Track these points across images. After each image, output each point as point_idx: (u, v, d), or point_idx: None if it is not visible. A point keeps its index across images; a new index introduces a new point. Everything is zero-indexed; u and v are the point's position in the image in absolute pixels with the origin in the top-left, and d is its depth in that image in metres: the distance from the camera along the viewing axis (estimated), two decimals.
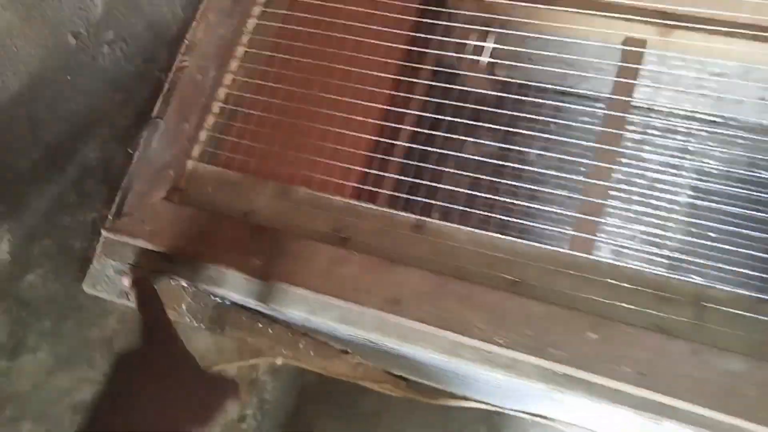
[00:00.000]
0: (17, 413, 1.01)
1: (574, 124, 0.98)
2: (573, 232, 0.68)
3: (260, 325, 0.92)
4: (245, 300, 0.71)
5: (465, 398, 1.05)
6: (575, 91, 1.56)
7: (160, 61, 1.06)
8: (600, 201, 0.71)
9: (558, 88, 1.48)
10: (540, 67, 1.28)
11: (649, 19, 1.10)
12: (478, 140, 1.00)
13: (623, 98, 1.05)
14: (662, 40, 1.10)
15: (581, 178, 0.78)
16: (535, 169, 0.80)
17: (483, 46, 0.99)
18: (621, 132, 0.89)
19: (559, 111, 1.38)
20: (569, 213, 0.69)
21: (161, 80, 1.04)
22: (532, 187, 0.83)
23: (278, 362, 1.04)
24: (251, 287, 0.69)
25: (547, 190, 0.74)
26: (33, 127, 0.87)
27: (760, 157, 1.08)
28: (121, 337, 1.18)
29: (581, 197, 0.72)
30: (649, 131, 1.24)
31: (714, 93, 1.14)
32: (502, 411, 1.00)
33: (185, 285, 0.74)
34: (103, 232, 0.72)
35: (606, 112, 0.94)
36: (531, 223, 0.74)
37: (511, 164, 0.83)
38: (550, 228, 0.66)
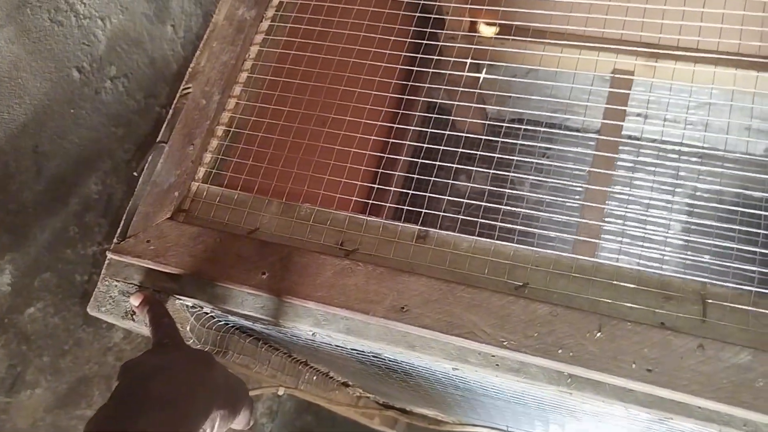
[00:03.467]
0: None
1: (567, 152, 1.00)
2: (575, 237, 0.69)
3: (263, 351, 0.91)
4: (250, 317, 0.71)
5: (470, 424, 1.05)
6: (566, 123, 1.59)
7: (160, 97, 1.08)
8: (599, 205, 0.73)
9: (549, 121, 1.52)
10: (530, 99, 1.32)
11: (636, 48, 1.14)
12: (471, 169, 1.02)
13: (615, 123, 1.08)
14: (649, 69, 1.14)
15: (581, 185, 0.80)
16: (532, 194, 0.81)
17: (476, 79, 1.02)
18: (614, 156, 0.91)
19: (552, 143, 1.41)
20: (572, 218, 0.70)
21: (162, 116, 1.06)
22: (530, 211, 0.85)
23: (279, 393, 1.04)
24: (257, 303, 0.69)
25: (547, 198, 0.76)
26: (37, 159, 0.88)
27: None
28: None
29: (582, 202, 0.74)
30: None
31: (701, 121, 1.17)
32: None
33: (190, 305, 0.74)
34: (108, 254, 0.73)
35: (599, 137, 0.97)
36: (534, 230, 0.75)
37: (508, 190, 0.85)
38: (554, 233, 0.67)
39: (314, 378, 1.09)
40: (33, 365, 0.98)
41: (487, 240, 0.66)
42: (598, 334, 0.58)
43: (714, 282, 0.60)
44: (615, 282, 0.62)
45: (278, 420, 1.79)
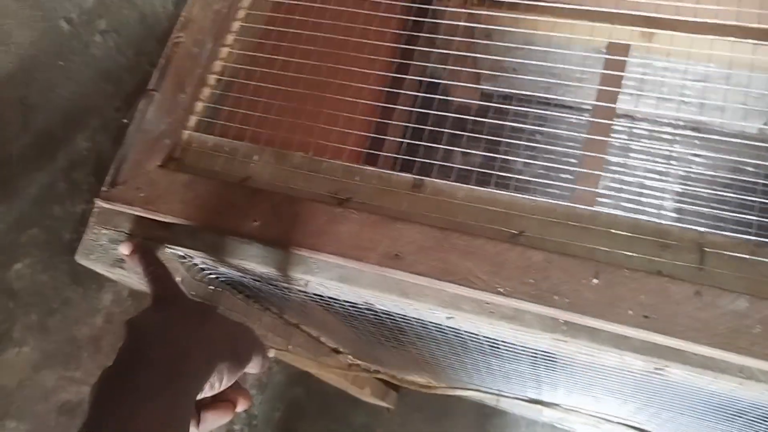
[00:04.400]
0: (1, 411, 0.98)
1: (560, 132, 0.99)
2: (574, 186, 0.68)
3: (254, 310, 0.91)
4: (241, 267, 0.70)
5: (462, 388, 1.04)
6: (561, 99, 1.58)
7: (151, 55, 1.06)
8: (599, 155, 0.72)
9: (543, 97, 1.51)
10: (524, 77, 1.31)
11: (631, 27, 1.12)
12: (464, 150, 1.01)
13: (608, 105, 1.07)
14: (645, 45, 1.13)
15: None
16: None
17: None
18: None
19: (545, 120, 1.40)
20: (571, 168, 0.69)
21: (152, 74, 1.04)
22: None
23: (270, 354, 1.03)
24: (248, 251, 0.68)
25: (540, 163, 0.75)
26: (24, 112, 0.87)
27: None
28: (109, 337, 1.16)
29: (582, 152, 0.73)
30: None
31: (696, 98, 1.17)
32: (499, 398, 0.99)
33: (180, 255, 0.73)
34: (97, 201, 0.71)
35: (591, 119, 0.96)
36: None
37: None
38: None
39: (305, 341, 1.08)
40: (20, 323, 0.96)
41: (483, 189, 0.65)
42: (595, 281, 0.58)
43: (712, 231, 0.59)
44: (612, 230, 0.61)
45: (268, 392, 1.79)
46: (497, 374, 0.88)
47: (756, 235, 0.59)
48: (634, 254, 0.60)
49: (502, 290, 0.59)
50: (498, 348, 0.72)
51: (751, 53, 0.73)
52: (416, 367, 1.08)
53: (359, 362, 1.24)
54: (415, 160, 0.73)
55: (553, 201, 0.63)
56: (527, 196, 0.64)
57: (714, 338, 0.54)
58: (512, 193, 0.64)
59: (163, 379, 0.53)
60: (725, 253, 0.58)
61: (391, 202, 0.66)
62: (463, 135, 0.72)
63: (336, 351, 1.21)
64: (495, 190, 0.64)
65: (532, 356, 0.71)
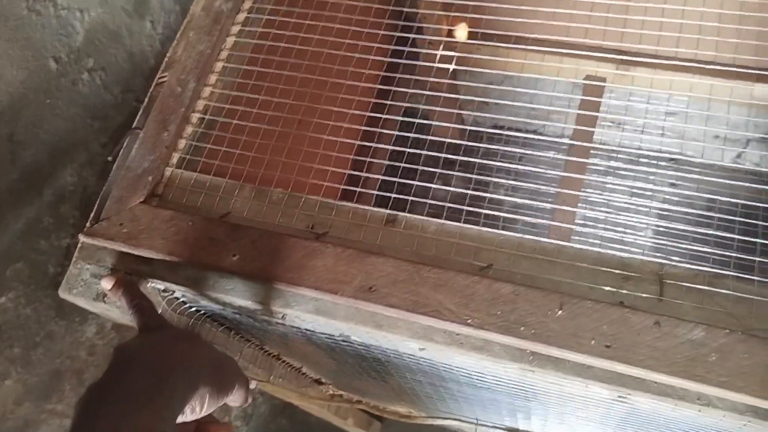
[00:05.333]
0: None
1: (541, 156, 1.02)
2: (549, 222, 0.71)
3: (235, 341, 0.92)
4: (221, 300, 0.72)
5: (441, 417, 1.06)
6: (540, 129, 1.62)
7: (138, 91, 1.09)
8: (573, 192, 0.75)
9: (523, 127, 1.55)
10: (499, 117, 1.34)
11: (608, 56, 1.16)
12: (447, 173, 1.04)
13: (586, 129, 1.11)
14: (621, 76, 1.17)
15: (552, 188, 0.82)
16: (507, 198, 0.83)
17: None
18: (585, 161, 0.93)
19: (526, 147, 1.43)
20: (546, 204, 0.72)
21: (138, 110, 1.07)
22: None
23: (252, 386, 1.04)
24: (227, 285, 0.70)
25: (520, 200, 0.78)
26: (12, 148, 0.89)
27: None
28: (92, 369, 1.16)
29: (557, 189, 0.76)
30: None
31: (672, 130, 1.20)
32: (477, 427, 1.00)
33: (162, 289, 0.75)
34: (81, 237, 0.73)
35: (571, 141, 0.99)
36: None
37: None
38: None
39: (287, 372, 1.09)
40: (3, 356, 0.97)
41: (454, 223, 0.68)
42: (559, 312, 0.60)
43: (671, 263, 0.62)
44: (576, 263, 0.64)
45: (253, 423, 1.79)
46: (474, 403, 0.90)
47: (713, 266, 0.61)
48: (598, 286, 0.62)
49: (471, 321, 0.61)
50: (471, 377, 0.74)
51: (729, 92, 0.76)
52: (397, 398, 1.10)
53: (341, 393, 1.25)
54: (391, 196, 0.76)
55: (519, 235, 0.66)
56: (495, 231, 0.66)
57: (672, 367, 0.56)
58: (480, 228, 0.66)
59: (146, 393, 0.55)
60: (683, 284, 0.61)
61: (366, 236, 0.69)
62: (440, 171, 0.75)
63: (318, 382, 1.22)
64: (465, 225, 0.67)
65: (504, 385, 0.73)
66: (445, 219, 0.69)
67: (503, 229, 0.66)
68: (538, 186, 0.83)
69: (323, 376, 1.18)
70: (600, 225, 0.68)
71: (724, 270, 0.61)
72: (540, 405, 0.78)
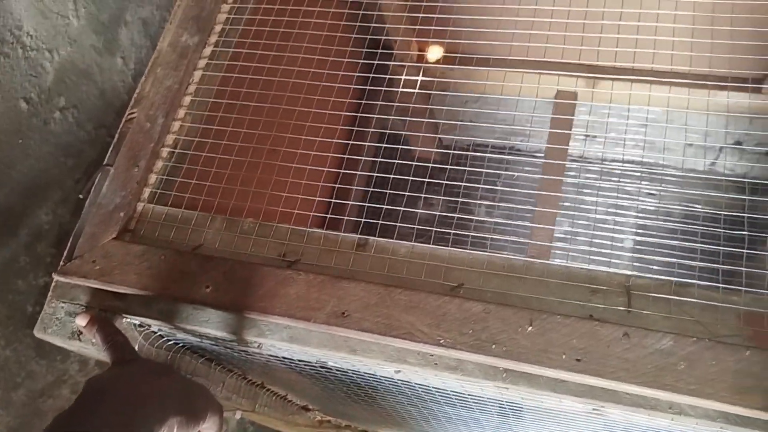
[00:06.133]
0: None
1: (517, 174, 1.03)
2: (528, 240, 0.72)
3: (216, 372, 0.92)
4: (196, 332, 0.72)
5: None
6: (515, 146, 1.64)
7: (110, 127, 1.10)
8: (550, 209, 0.76)
9: (498, 144, 1.56)
10: (480, 125, 1.36)
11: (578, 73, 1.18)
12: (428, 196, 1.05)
13: (560, 146, 1.12)
14: (591, 92, 1.19)
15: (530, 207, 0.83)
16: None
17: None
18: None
19: (502, 164, 1.45)
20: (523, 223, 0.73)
21: None
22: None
23: (237, 416, 1.04)
24: (201, 317, 0.70)
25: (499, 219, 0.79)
26: None
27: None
28: None
29: (532, 208, 0.76)
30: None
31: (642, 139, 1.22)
32: None
33: (137, 324, 0.75)
34: (55, 276, 0.73)
35: (546, 161, 1.00)
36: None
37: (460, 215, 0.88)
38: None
39: (272, 400, 1.09)
40: None
41: (424, 245, 0.68)
42: (530, 329, 0.61)
43: (637, 274, 0.63)
44: (545, 279, 0.64)
45: None
46: (458, 423, 0.90)
47: (678, 275, 0.62)
48: (567, 300, 0.63)
49: (443, 342, 0.61)
50: (450, 398, 0.74)
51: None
52: (383, 421, 1.09)
53: (329, 418, 1.25)
54: (365, 221, 0.76)
55: (488, 253, 0.66)
56: (465, 249, 0.67)
57: (642, 377, 0.57)
58: (450, 248, 0.67)
59: (117, 424, 0.55)
60: (650, 294, 0.62)
61: (337, 261, 0.69)
62: (408, 194, 0.76)
63: (305, 408, 1.21)
64: (435, 246, 0.68)
65: (483, 404, 0.73)
66: (415, 241, 0.69)
67: (481, 248, 0.67)
68: (513, 205, 0.84)
69: (310, 402, 1.18)
70: (569, 238, 0.69)
71: (689, 279, 0.62)
72: (520, 422, 0.78)
